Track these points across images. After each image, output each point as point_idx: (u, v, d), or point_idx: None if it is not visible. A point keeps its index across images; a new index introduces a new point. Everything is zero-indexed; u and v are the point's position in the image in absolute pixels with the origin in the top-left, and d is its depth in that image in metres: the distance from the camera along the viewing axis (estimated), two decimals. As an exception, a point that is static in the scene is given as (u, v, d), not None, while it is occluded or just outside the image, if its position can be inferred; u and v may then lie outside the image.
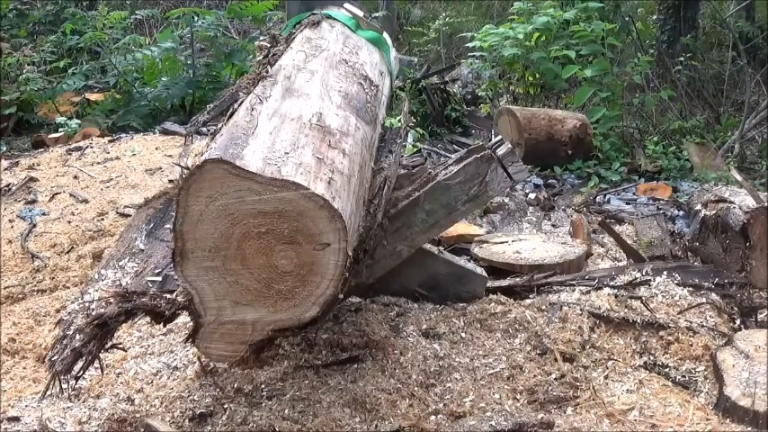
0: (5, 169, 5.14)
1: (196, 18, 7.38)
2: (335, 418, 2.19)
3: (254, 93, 2.23)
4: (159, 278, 2.21)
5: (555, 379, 2.45)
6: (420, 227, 2.79)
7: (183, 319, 2.30)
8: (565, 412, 2.33)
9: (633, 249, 3.61)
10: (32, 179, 4.80)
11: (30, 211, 4.23)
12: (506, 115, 5.76)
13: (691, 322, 2.84)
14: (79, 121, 6.50)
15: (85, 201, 4.33)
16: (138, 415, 2.27)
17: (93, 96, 7.22)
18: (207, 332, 2.00)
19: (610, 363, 2.59)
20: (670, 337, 2.74)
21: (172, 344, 2.71)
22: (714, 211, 3.47)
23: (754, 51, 7.67)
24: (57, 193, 4.51)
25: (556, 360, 2.55)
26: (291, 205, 1.81)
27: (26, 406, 2.38)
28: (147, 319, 2.11)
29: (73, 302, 2.12)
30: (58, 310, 3.00)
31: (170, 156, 5.16)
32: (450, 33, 9.42)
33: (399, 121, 3.42)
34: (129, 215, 3.74)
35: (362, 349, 2.54)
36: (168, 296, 2.02)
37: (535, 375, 2.47)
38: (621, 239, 3.70)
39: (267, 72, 2.44)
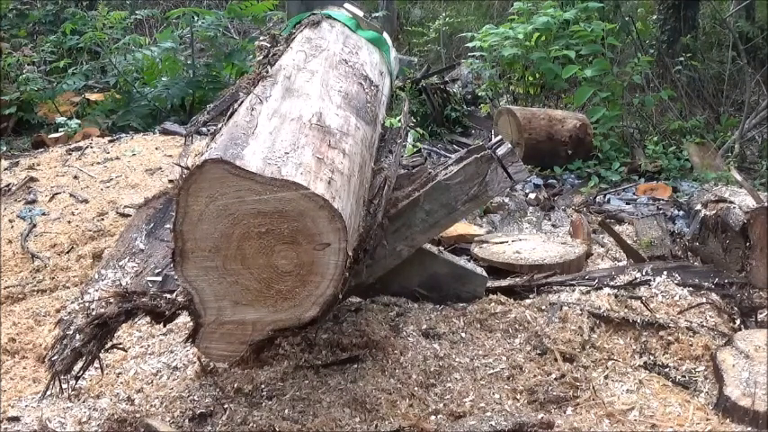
0: (5, 169, 5.14)
1: (196, 18, 7.37)
2: (335, 418, 2.19)
3: (254, 93, 2.23)
4: (159, 278, 2.21)
5: (555, 379, 2.45)
6: (420, 227, 2.79)
7: (183, 319, 2.31)
8: (565, 412, 2.33)
9: (633, 249, 3.61)
10: (32, 179, 4.80)
11: (30, 211, 4.22)
12: (506, 115, 5.76)
13: (691, 322, 2.84)
14: (79, 121, 6.49)
15: (85, 201, 4.33)
16: (138, 415, 2.26)
17: (93, 96, 7.21)
18: (207, 332, 2.00)
19: (610, 363, 2.59)
20: (670, 337, 2.74)
21: (172, 344, 2.71)
22: (714, 211, 3.47)
23: (754, 51, 7.66)
24: (57, 193, 4.50)
25: (556, 360, 2.55)
26: (291, 205, 1.81)
27: (26, 406, 2.38)
28: (147, 319, 2.11)
29: (73, 302, 2.11)
30: (58, 310, 3.00)
31: (170, 156, 5.15)
32: (450, 33, 9.41)
33: (399, 121, 3.41)
34: (129, 215, 3.73)
35: (362, 349, 2.54)
36: (168, 296, 2.02)
37: (535, 375, 2.47)
38: (621, 239, 3.70)
39: (267, 72, 2.44)
